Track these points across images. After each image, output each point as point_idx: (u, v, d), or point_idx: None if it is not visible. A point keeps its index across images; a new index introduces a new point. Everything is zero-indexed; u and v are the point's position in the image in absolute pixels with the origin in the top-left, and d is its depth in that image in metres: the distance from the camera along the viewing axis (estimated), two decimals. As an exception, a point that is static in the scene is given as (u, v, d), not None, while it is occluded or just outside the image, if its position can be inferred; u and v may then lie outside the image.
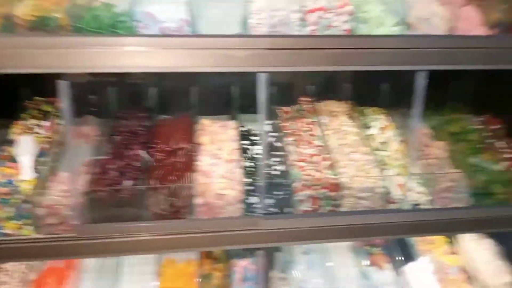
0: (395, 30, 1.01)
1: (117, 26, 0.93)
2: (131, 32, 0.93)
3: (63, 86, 0.89)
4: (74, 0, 0.96)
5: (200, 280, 1.30)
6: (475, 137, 1.30)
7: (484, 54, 1.03)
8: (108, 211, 1.00)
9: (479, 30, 1.08)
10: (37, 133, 1.11)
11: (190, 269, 1.33)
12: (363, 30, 1.01)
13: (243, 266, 1.37)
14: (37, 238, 0.97)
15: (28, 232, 0.97)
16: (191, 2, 0.98)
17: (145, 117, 1.25)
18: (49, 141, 1.09)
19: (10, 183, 1.00)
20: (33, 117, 1.14)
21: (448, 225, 1.12)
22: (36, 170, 1.01)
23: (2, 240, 0.98)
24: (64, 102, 0.90)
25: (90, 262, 1.33)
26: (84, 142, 1.15)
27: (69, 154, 1.00)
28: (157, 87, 1.30)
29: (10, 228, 0.97)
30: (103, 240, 0.98)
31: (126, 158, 1.08)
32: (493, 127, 1.35)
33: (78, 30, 0.90)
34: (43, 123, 1.12)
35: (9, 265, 1.25)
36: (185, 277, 1.31)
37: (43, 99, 1.21)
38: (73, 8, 0.91)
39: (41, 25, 0.89)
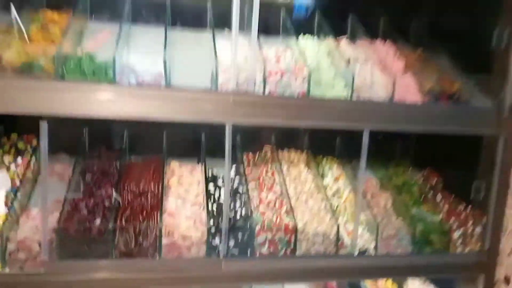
0: (344, 93, 1.18)
1: (98, 75, 1.04)
2: (110, 81, 1.03)
3: (43, 126, 0.96)
4: (60, 49, 1.06)
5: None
6: (416, 189, 1.46)
7: (419, 118, 1.21)
8: (77, 248, 1.04)
9: (415, 96, 1.27)
10: (9, 169, 1.16)
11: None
12: (317, 91, 1.17)
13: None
14: (5, 274, 0.99)
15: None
16: (167, 56, 1.10)
17: (116, 157, 1.33)
18: (21, 178, 1.13)
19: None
20: (7, 154, 1.19)
21: (391, 269, 1.24)
22: (7, 205, 1.04)
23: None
24: (42, 140, 0.97)
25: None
26: (57, 179, 1.20)
27: (42, 191, 1.05)
28: (129, 128, 1.38)
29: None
30: (70, 277, 1.01)
31: (96, 197, 1.14)
32: (432, 180, 1.52)
33: (62, 77, 1.00)
34: (17, 160, 1.17)
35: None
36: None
37: (18, 136, 1.27)
38: (59, 56, 1.01)
39: (27, 70, 0.98)
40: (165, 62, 1.06)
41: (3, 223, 1.00)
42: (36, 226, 1.01)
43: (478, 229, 1.31)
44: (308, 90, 1.14)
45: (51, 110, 0.94)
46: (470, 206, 1.38)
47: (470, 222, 1.32)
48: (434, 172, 1.54)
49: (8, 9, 1.12)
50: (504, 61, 1.26)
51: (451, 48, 1.42)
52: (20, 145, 1.21)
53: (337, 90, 1.19)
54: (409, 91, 1.26)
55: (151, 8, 1.35)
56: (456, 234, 1.29)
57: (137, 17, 1.30)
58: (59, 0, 1.19)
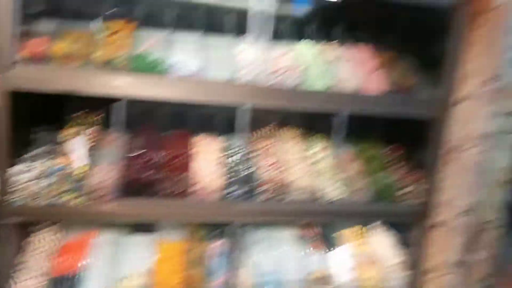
0: (327, 86, 1.61)
1: (156, 69, 1.47)
2: (163, 73, 1.46)
3: (119, 106, 1.41)
4: (132, 49, 1.48)
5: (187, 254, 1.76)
6: (383, 159, 1.91)
7: (383, 105, 1.66)
8: (134, 190, 1.49)
9: (382, 88, 1.69)
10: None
11: (181, 246, 1.78)
12: (307, 84, 1.60)
13: (216, 245, 1.84)
14: (88, 205, 1.44)
15: (80, 201, 1.44)
16: (202, 56, 1.53)
17: (158, 130, 1.77)
18: (92, 144, 1.57)
19: (61, 169, 1.47)
20: (80, 125, 1.63)
21: (358, 214, 1.71)
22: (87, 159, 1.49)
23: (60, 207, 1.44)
24: (117, 117, 1.41)
25: (103, 238, 1.75)
26: (114, 145, 1.65)
27: (109, 151, 1.50)
28: (168, 109, 1.82)
29: (66, 198, 1.44)
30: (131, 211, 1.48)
31: (147, 156, 1.59)
32: (396, 153, 1.97)
33: (132, 70, 1.43)
34: (88, 130, 1.61)
35: (45, 234, 1.67)
36: (176, 252, 1.76)
37: (86, 112, 1.70)
38: (129, 57, 1.44)
39: (107, 65, 1.40)
40: (200, 62, 1.50)
41: (86, 170, 1.45)
42: (105, 175, 1.47)
43: (420, 187, 1.78)
44: (301, 83, 1.58)
45: (125, 93, 1.38)
46: (417, 171, 1.84)
47: (415, 183, 1.78)
48: (398, 147, 1.99)
49: (80, 18, 1.56)
50: (447, 64, 1.70)
51: (414, 51, 1.86)
52: (91, 118, 1.65)
53: (322, 83, 1.62)
54: (376, 84, 1.70)
55: (188, 18, 1.77)
56: (404, 191, 1.76)
57: (178, 25, 1.71)
58: (122, 13, 1.62)
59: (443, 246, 1.80)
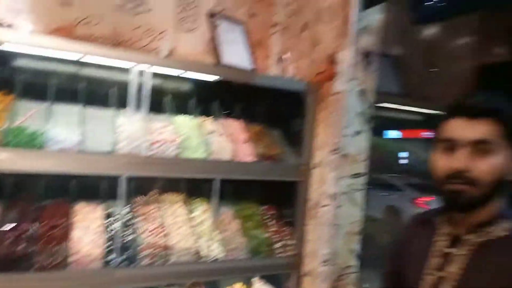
0: (204, 154, 1.83)
1: (34, 142, 1.51)
2: (42, 147, 1.51)
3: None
4: (9, 121, 1.51)
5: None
6: (258, 218, 2.15)
7: (252, 171, 1.92)
8: (6, 265, 1.45)
9: (251, 157, 1.98)
10: None
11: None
12: (186, 154, 1.80)
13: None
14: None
15: None
16: (82, 129, 1.63)
17: (33, 201, 1.75)
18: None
19: None
20: None
21: (236, 269, 1.88)
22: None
23: None
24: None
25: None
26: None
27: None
28: (45, 179, 1.82)
29: None
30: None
31: (21, 229, 1.56)
32: (270, 212, 2.24)
33: (10, 143, 1.45)
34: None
35: None
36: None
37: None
38: (4, 130, 1.47)
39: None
40: (80, 134, 1.59)
41: None
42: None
43: (290, 241, 2.04)
44: (180, 153, 1.77)
45: (2, 168, 1.39)
46: (287, 227, 2.12)
47: (287, 237, 2.05)
48: (271, 206, 2.27)
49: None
50: (304, 137, 2.08)
51: (280, 126, 2.22)
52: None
53: (200, 152, 1.84)
54: (247, 153, 1.98)
55: (68, 91, 1.86)
56: (277, 245, 2.00)
57: (57, 97, 1.79)
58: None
59: (311, 293, 2.05)
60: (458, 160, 0.99)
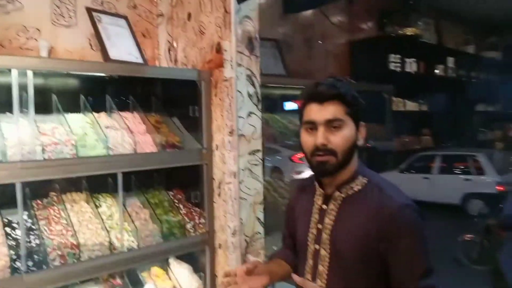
0: (103, 151, 1.85)
1: None
2: None
3: None
4: None
5: None
6: (167, 203, 2.26)
7: (154, 161, 2.01)
8: None
9: (152, 147, 2.06)
10: None
11: None
12: (84, 152, 1.80)
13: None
14: None
15: None
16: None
17: None
18: None
19: None
20: None
21: (151, 255, 1.97)
22: None
23: None
24: None
25: None
26: None
27: None
28: None
29: None
30: None
31: None
32: (178, 196, 2.36)
33: None
34: None
35: None
36: None
37: None
38: None
39: None
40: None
41: None
42: None
43: (202, 220, 2.21)
44: (77, 152, 1.77)
45: None
46: (197, 208, 2.27)
47: (197, 217, 2.20)
48: (178, 190, 2.39)
49: None
50: (202, 123, 2.22)
51: (177, 115, 2.32)
52: None
53: (98, 150, 1.85)
54: (147, 144, 2.05)
55: None
56: (189, 226, 2.14)
57: None
58: None
59: (224, 264, 2.25)
60: (318, 137, 1.21)
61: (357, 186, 1.29)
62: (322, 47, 3.73)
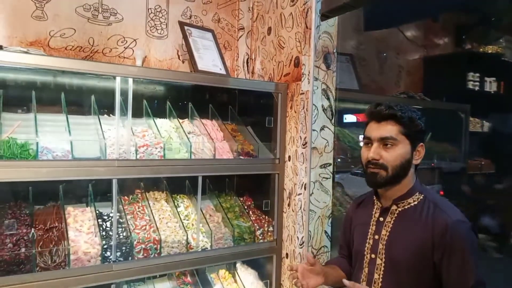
0: (186, 155, 1.98)
1: (23, 154, 1.59)
2: (34, 157, 1.60)
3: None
4: None
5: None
6: (238, 209, 2.33)
7: (231, 167, 2.10)
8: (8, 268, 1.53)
9: (229, 154, 2.16)
10: None
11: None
12: (170, 155, 1.94)
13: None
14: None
15: None
16: (71, 137, 1.73)
17: (26, 206, 1.83)
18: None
19: None
20: None
21: (222, 257, 2.05)
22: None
23: None
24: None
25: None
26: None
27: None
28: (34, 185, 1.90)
29: None
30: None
31: (18, 234, 1.64)
32: (247, 203, 2.43)
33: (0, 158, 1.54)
34: None
35: None
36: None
37: None
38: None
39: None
40: (71, 142, 1.70)
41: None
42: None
43: (270, 228, 2.25)
44: (164, 155, 1.91)
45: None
46: (266, 216, 2.32)
47: (266, 224, 2.25)
48: (248, 197, 2.46)
49: None
50: (276, 134, 2.28)
51: (252, 125, 2.40)
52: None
53: (182, 153, 1.98)
54: (225, 151, 2.15)
55: (50, 100, 1.94)
56: (258, 232, 2.20)
57: (41, 108, 1.87)
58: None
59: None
60: (371, 152, 1.36)
61: (413, 201, 1.38)
62: (395, 62, 3.65)
